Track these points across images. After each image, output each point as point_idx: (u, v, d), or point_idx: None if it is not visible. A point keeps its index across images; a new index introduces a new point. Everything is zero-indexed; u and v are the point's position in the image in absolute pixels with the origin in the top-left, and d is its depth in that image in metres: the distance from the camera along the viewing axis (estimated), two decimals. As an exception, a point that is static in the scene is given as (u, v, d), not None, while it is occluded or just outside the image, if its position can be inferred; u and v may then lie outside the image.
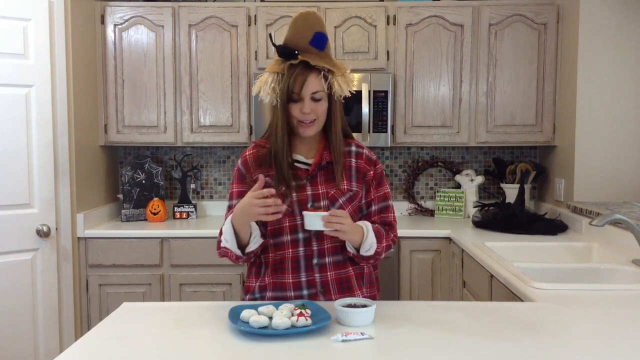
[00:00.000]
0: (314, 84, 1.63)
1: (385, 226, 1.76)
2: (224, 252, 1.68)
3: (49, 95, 2.95)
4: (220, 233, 1.67)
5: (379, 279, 1.86)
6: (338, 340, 1.37)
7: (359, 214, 1.76)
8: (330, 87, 1.66)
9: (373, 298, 1.79)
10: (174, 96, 3.42)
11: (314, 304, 1.56)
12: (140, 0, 3.45)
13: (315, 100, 1.65)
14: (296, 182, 1.69)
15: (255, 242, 1.65)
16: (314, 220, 1.55)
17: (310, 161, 1.73)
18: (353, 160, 1.76)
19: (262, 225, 1.72)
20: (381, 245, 1.68)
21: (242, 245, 1.65)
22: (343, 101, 1.73)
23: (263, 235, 1.70)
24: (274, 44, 1.68)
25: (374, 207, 1.76)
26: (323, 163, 1.72)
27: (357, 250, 1.67)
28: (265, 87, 1.67)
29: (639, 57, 3.08)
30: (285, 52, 1.65)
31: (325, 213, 1.54)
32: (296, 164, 1.72)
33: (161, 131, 3.44)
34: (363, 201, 1.76)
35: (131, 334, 1.45)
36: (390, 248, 1.74)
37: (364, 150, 1.79)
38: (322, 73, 1.64)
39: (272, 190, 1.55)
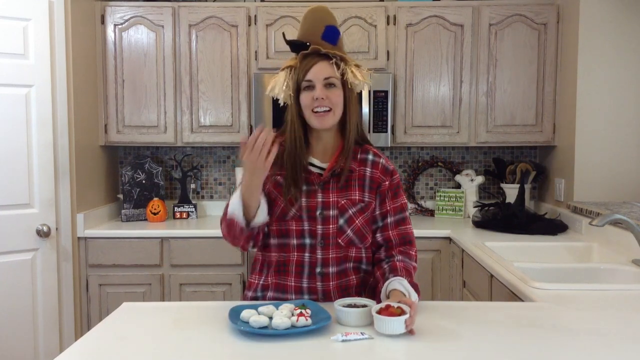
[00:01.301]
0: (325, 68, 1.59)
1: (406, 245, 1.70)
2: (229, 223, 1.57)
3: (49, 95, 2.95)
4: (225, 214, 1.60)
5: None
6: (338, 340, 1.37)
7: (372, 225, 1.71)
8: (343, 75, 1.62)
9: None
10: (174, 96, 3.42)
11: (314, 304, 1.56)
12: (140, 0, 3.45)
13: (328, 86, 1.60)
14: (307, 187, 1.65)
15: (262, 216, 1.58)
16: (396, 325, 1.38)
17: (325, 165, 1.68)
18: (368, 169, 1.70)
19: (270, 221, 1.69)
20: (415, 284, 1.62)
21: (248, 221, 1.58)
22: (361, 89, 1.68)
23: (269, 215, 1.65)
24: (286, 40, 1.66)
25: (389, 219, 1.70)
26: (337, 170, 1.66)
27: None
28: (280, 83, 1.64)
29: (639, 57, 3.08)
30: (297, 45, 1.63)
31: (405, 315, 1.38)
32: (310, 167, 1.67)
33: (161, 131, 3.44)
34: (377, 212, 1.71)
35: (131, 334, 1.45)
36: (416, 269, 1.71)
37: (381, 160, 1.72)
38: (334, 60, 1.61)
39: (257, 133, 1.45)
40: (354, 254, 1.69)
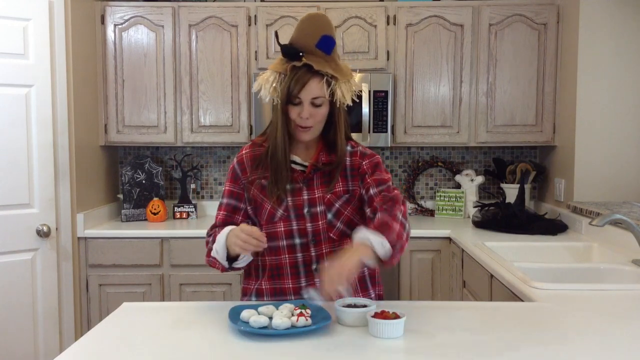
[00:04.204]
0: (315, 89, 1.60)
1: (388, 202, 1.62)
2: (212, 262, 1.67)
3: (49, 95, 2.94)
4: (213, 240, 1.65)
5: (380, 277, 1.82)
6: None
7: (359, 213, 1.72)
8: (332, 94, 1.62)
9: (379, 297, 1.77)
10: (174, 96, 3.42)
11: (314, 304, 1.56)
12: (140, 0, 3.45)
13: (315, 105, 1.61)
14: (292, 185, 1.67)
15: (243, 260, 1.64)
16: (389, 329, 1.39)
17: (307, 163, 1.70)
18: (348, 159, 1.72)
19: (259, 225, 1.70)
20: (393, 232, 1.52)
21: (230, 258, 1.63)
22: (346, 108, 1.70)
23: (256, 253, 1.67)
24: (279, 44, 1.65)
25: (372, 191, 1.67)
26: (319, 165, 1.68)
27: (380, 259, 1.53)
28: (267, 85, 1.65)
29: (639, 57, 3.08)
30: (289, 52, 1.61)
31: (400, 319, 1.39)
32: (293, 165, 1.69)
33: (161, 131, 3.44)
34: (362, 190, 1.69)
35: (131, 334, 1.45)
36: (405, 223, 1.59)
37: (358, 148, 1.75)
38: (325, 79, 1.60)
39: (263, 240, 1.52)
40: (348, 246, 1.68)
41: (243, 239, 1.51)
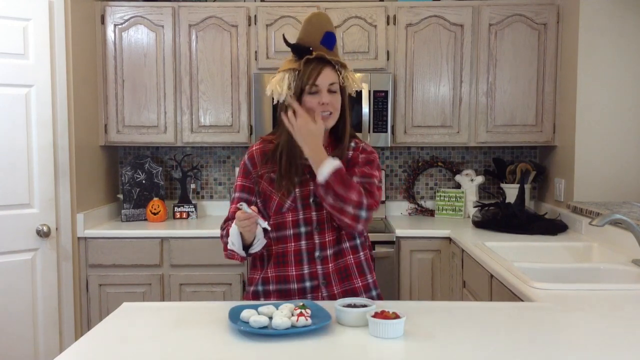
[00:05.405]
0: (330, 75, 1.71)
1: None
2: (230, 255, 1.74)
3: (49, 95, 2.95)
4: (227, 234, 1.71)
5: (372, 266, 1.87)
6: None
7: None
8: (343, 81, 1.73)
9: (374, 283, 1.82)
10: (174, 96, 3.42)
11: (314, 304, 1.56)
12: (140, 0, 3.45)
13: (331, 92, 1.71)
14: (299, 177, 1.74)
15: (258, 245, 1.70)
16: (390, 329, 1.39)
17: None
18: (350, 152, 1.81)
19: (267, 216, 1.76)
20: (343, 188, 1.61)
21: (245, 245, 1.70)
22: (354, 95, 1.80)
23: (268, 237, 1.75)
24: (287, 43, 1.75)
25: (355, 180, 1.70)
26: None
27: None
28: (282, 83, 1.72)
29: (639, 57, 3.08)
30: (300, 49, 1.72)
31: (401, 319, 1.40)
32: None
33: (161, 131, 3.44)
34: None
35: (131, 334, 1.46)
36: (361, 206, 1.63)
37: (361, 144, 1.84)
38: (336, 67, 1.72)
39: (251, 215, 1.59)
40: (345, 232, 1.76)
41: (242, 225, 1.61)
